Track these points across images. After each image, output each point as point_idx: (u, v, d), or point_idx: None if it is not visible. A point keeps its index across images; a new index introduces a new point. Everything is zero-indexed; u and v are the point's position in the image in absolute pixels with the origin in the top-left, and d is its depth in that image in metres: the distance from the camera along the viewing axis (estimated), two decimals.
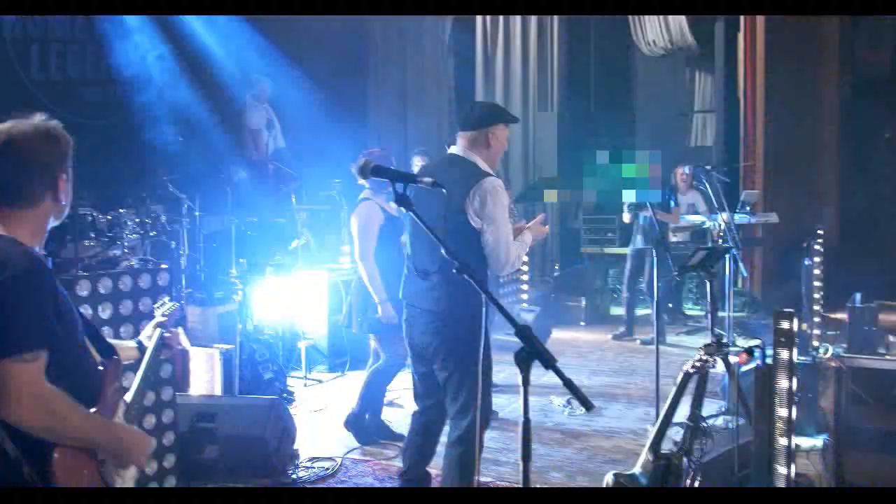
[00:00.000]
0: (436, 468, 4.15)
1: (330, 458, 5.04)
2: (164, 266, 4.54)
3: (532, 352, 2.04)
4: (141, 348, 2.71)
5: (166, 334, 2.77)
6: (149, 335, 2.76)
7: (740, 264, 5.97)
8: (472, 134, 3.72)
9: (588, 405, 2.04)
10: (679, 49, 10.55)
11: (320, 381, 6.84)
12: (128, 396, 2.49)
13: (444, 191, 2.80)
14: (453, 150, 3.81)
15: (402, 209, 2.51)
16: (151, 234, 6.61)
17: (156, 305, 2.89)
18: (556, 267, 10.93)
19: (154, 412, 4.33)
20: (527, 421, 2.04)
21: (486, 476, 4.67)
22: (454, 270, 2.27)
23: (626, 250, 8.65)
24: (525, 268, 8.40)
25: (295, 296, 7.12)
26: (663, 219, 7.94)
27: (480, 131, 3.70)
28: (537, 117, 10.98)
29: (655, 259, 6.10)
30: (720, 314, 7.33)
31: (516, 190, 10.38)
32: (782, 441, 3.50)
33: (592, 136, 11.24)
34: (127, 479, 2.39)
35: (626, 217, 8.26)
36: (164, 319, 2.79)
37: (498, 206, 3.57)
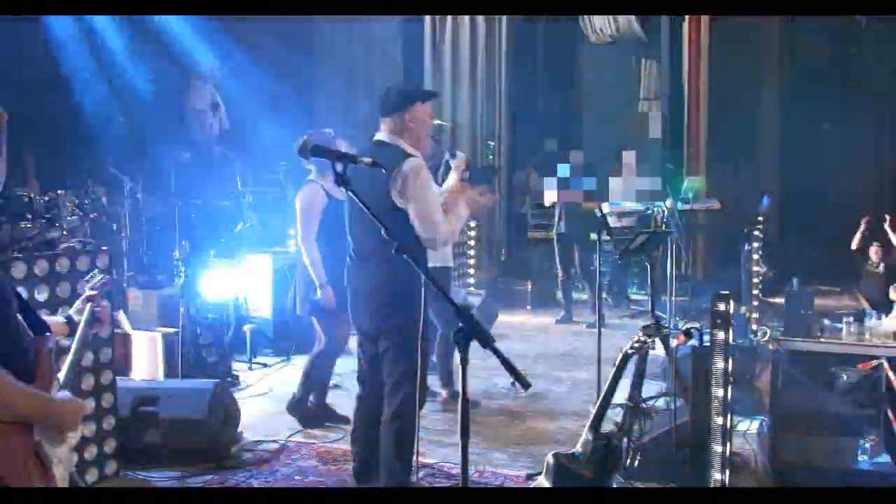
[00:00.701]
0: None
1: (273, 441, 5.02)
2: (103, 247, 4.46)
3: (470, 331, 2.06)
4: (71, 324, 2.66)
5: (97, 308, 2.71)
6: (79, 310, 2.70)
7: (681, 248, 6.08)
8: (391, 119, 3.78)
9: (525, 384, 2.07)
10: (626, 37, 10.67)
11: (265, 365, 6.80)
12: (61, 375, 2.46)
13: (383, 171, 2.82)
14: (379, 136, 3.85)
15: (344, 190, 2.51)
16: (92, 215, 6.51)
17: (85, 279, 2.82)
18: (503, 251, 11.00)
19: (94, 396, 4.26)
20: (465, 400, 2.06)
21: (431, 458, 4.69)
22: (394, 251, 2.29)
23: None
24: (472, 252, 8.44)
25: (240, 279, 7.05)
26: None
27: (398, 115, 3.75)
28: (486, 101, 11.01)
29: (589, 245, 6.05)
30: (663, 298, 7.47)
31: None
32: (718, 420, 3.59)
33: (540, 122, 11.34)
34: (63, 458, 2.36)
35: (548, 201, 8.30)
36: (94, 293, 2.72)
37: (419, 186, 3.62)
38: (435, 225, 3.65)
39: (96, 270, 2.94)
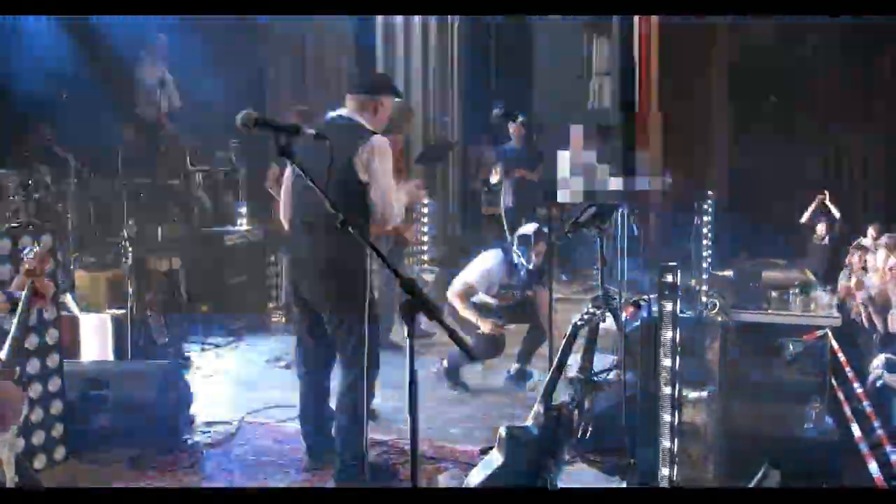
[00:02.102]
0: None
1: (227, 423, 4.98)
2: (48, 228, 4.35)
3: (417, 304, 2.05)
4: (10, 299, 2.61)
5: (38, 282, 2.65)
6: (19, 285, 2.64)
7: (632, 222, 6.12)
8: (362, 98, 3.89)
9: (472, 356, 2.08)
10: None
11: (217, 346, 6.74)
12: (2, 354, 2.41)
13: (327, 143, 2.82)
14: (341, 111, 3.92)
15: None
16: (36, 195, 6.36)
17: (24, 253, 2.76)
18: (458, 226, 11.00)
19: (40, 380, 4.18)
20: (412, 373, 2.05)
21: (388, 436, 4.69)
22: (338, 224, 2.28)
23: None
24: (426, 228, 8.44)
25: (190, 260, 6.96)
26: (528, 178, 8.12)
27: (371, 98, 3.89)
28: (439, 77, 10.98)
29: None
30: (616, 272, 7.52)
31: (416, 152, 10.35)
32: (667, 390, 3.64)
33: (493, 97, 11.33)
34: (9, 441, 2.32)
35: (495, 177, 8.32)
36: (33, 266, 2.66)
37: (384, 165, 3.75)
38: (392, 204, 3.80)
39: (35, 242, 2.88)
